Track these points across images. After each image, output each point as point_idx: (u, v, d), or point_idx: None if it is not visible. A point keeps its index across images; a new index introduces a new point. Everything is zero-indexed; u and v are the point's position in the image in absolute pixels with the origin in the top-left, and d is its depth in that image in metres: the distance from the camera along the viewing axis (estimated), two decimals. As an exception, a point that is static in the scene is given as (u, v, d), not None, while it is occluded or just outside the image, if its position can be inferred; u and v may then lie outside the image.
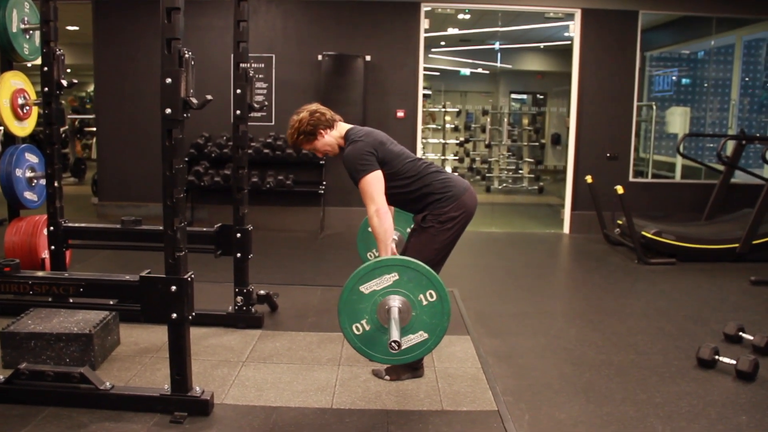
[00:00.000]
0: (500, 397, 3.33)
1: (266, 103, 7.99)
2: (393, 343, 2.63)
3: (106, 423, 2.97)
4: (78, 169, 12.28)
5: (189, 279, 2.97)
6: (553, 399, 3.37)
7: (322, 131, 3.44)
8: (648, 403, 3.33)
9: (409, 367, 3.53)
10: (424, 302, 2.85)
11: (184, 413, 3.02)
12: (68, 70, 4.22)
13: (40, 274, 3.19)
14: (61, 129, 12.50)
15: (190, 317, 3.01)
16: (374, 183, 3.25)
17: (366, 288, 2.84)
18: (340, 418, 3.09)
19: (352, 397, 3.31)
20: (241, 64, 4.12)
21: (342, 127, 3.50)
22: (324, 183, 7.93)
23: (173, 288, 2.93)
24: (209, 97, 2.88)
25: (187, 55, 2.80)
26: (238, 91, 4.14)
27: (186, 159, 7.64)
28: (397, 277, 2.83)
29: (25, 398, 3.13)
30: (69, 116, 12.73)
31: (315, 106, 3.50)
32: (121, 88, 7.98)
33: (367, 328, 2.87)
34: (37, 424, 2.94)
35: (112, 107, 8.12)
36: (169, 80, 2.78)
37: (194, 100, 2.84)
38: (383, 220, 3.21)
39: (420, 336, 2.89)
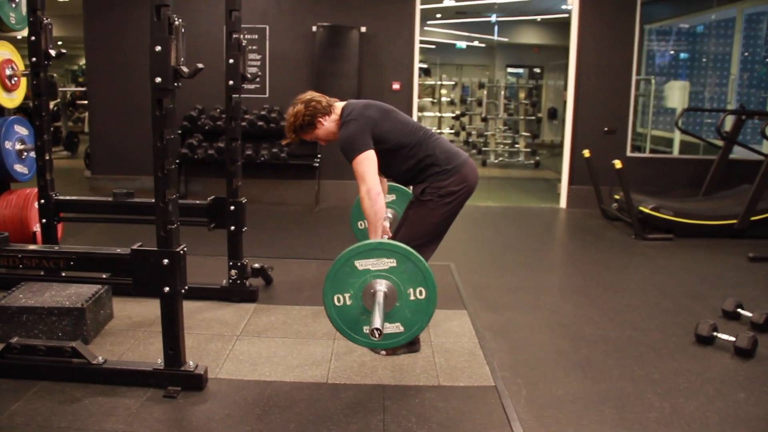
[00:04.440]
0: (497, 373, 3.30)
1: (259, 74, 7.87)
2: (375, 331, 2.59)
3: (99, 398, 2.93)
4: (71, 143, 12.17)
5: (181, 252, 2.91)
6: (550, 375, 3.35)
7: (320, 119, 3.37)
8: (645, 379, 3.30)
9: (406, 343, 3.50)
10: (412, 297, 2.81)
11: (178, 388, 2.99)
12: (59, 42, 4.13)
13: (29, 247, 3.13)
14: (53, 102, 12.31)
15: (183, 291, 2.95)
16: (366, 163, 3.19)
17: (361, 264, 2.79)
18: (336, 392, 3.05)
19: (347, 371, 3.27)
20: (233, 34, 4.03)
21: (338, 109, 3.42)
22: (319, 156, 7.84)
23: (165, 261, 2.87)
24: (200, 65, 2.80)
25: (177, 22, 2.72)
26: (231, 60, 4.05)
27: (179, 131, 7.60)
28: (394, 264, 2.79)
29: (18, 372, 3.09)
30: (61, 89, 12.57)
31: (309, 95, 3.42)
32: (112, 60, 7.85)
33: (348, 302, 2.83)
34: (29, 399, 2.90)
35: (104, 79, 8.00)
36: (158, 48, 2.70)
37: (185, 69, 2.76)
38: (374, 201, 3.16)
39: (396, 327, 2.86)
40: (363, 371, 3.28)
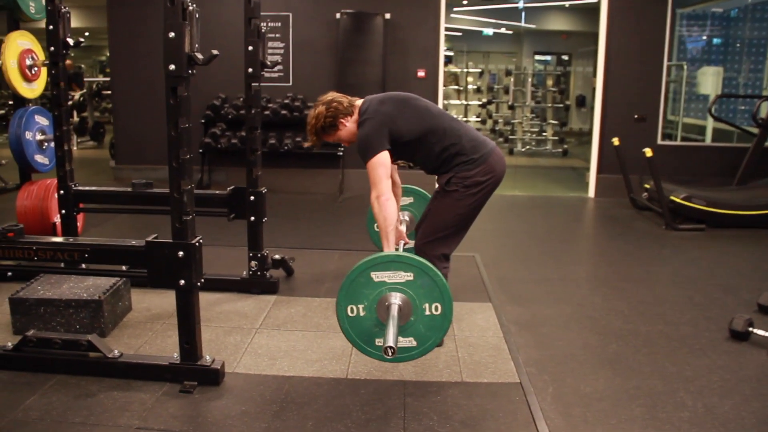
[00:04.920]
0: (522, 369, 3.19)
1: (280, 61, 7.79)
2: (388, 349, 2.50)
3: (114, 392, 2.88)
4: (97, 133, 12.22)
5: (197, 244, 2.84)
6: (577, 371, 3.23)
7: (342, 120, 3.27)
8: (677, 376, 3.17)
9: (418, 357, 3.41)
10: (427, 312, 2.72)
11: (194, 382, 2.93)
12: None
13: (44, 239, 3.08)
14: (79, 92, 12.37)
15: (199, 283, 2.89)
16: (377, 168, 3.09)
17: (377, 276, 2.70)
18: (355, 388, 2.97)
19: (368, 366, 3.19)
20: (252, 20, 3.94)
21: (357, 105, 3.32)
22: (343, 145, 7.74)
23: (180, 253, 2.80)
24: (215, 52, 2.71)
25: (191, 8, 2.63)
26: (250, 48, 3.97)
27: (202, 120, 7.56)
28: (411, 278, 2.69)
29: (33, 366, 3.06)
30: (87, 79, 12.62)
31: (330, 95, 3.32)
32: (135, 50, 7.83)
33: (362, 314, 2.75)
34: (44, 393, 2.87)
35: (127, 69, 7.98)
36: (172, 34, 2.61)
37: (199, 56, 2.67)
38: (383, 207, 3.06)
39: (409, 342, 2.77)
40: (384, 366, 3.19)
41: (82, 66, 15.76)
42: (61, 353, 3.03)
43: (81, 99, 12.39)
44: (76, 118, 12.46)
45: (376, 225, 4.10)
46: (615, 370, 3.23)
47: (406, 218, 4.13)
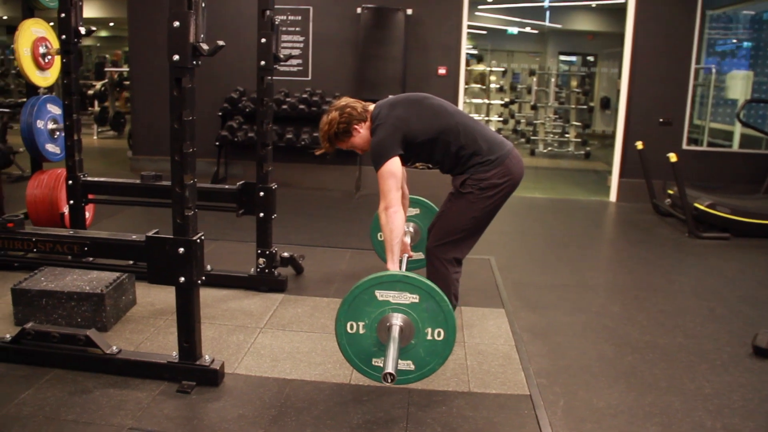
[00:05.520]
0: (533, 380, 3.06)
1: (295, 55, 7.70)
2: (387, 376, 2.40)
3: (110, 389, 2.80)
4: (117, 123, 12.23)
5: (198, 241, 2.75)
6: (591, 383, 3.09)
7: (356, 127, 3.18)
8: (696, 394, 3.02)
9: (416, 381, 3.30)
10: (429, 337, 2.63)
11: (192, 383, 2.84)
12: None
13: (44, 231, 3.01)
14: (100, 83, 12.44)
15: (200, 281, 2.80)
16: (388, 179, 3.01)
17: (381, 295, 2.62)
18: (358, 396, 2.86)
19: (372, 372, 3.08)
20: (265, 11, 3.84)
21: (370, 110, 3.23)
22: (357, 153, 7.64)
23: (181, 250, 2.71)
24: (221, 42, 2.62)
25: (197, -4, 2.54)
26: (263, 40, 3.87)
27: (219, 113, 7.49)
28: (416, 300, 2.60)
29: (31, 359, 3.00)
30: (107, 69, 12.64)
31: (344, 101, 3.24)
32: (154, 41, 7.77)
33: (362, 331, 2.66)
34: (39, 387, 2.80)
35: (146, 60, 7.94)
36: (176, 24, 2.52)
37: (204, 46, 2.58)
38: (391, 218, 2.98)
39: (407, 365, 2.68)
40: (389, 372, 3.08)
41: (107, 56, 15.85)
42: (59, 347, 2.96)
43: (102, 89, 12.42)
44: (97, 108, 12.50)
45: (380, 235, 4.03)
46: (630, 384, 3.10)
47: (411, 229, 4.12)
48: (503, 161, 3.10)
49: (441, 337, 2.62)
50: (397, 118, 3.06)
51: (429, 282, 2.63)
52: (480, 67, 13.60)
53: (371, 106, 3.23)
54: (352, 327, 2.67)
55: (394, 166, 3.01)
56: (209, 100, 7.65)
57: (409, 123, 3.06)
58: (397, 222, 2.98)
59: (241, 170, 7.88)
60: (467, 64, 8.44)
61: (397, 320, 2.61)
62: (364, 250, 5.06)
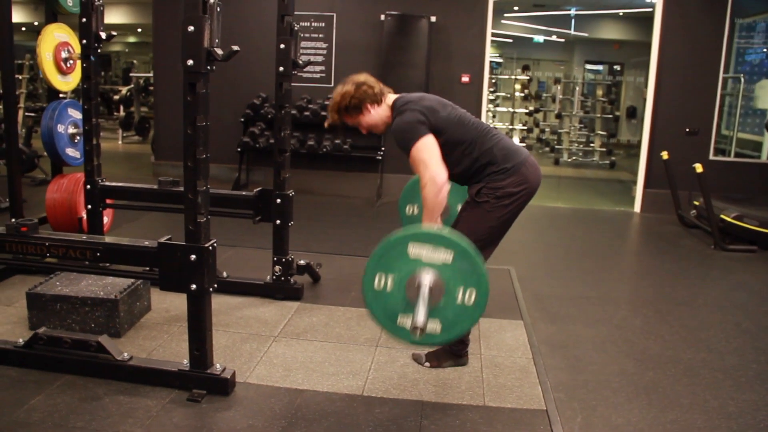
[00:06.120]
0: (550, 394, 2.98)
1: (314, 61, 7.69)
2: (416, 329, 2.33)
3: (120, 396, 2.78)
4: (142, 128, 12.33)
5: (210, 248, 2.72)
6: (610, 399, 3.01)
7: (369, 105, 3.10)
8: (720, 412, 2.93)
9: (453, 354, 3.23)
10: (459, 299, 2.50)
11: (203, 391, 2.81)
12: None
13: (57, 236, 3.01)
14: (126, 88, 12.56)
15: (212, 289, 2.77)
16: (427, 148, 2.89)
17: (414, 248, 2.49)
18: (370, 407, 2.81)
19: (386, 384, 3.02)
20: (285, 17, 3.82)
21: (389, 100, 3.15)
22: (383, 149, 7.62)
23: (193, 257, 2.69)
24: (236, 47, 2.59)
25: (212, 1, 2.51)
26: (282, 46, 3.85)
27: (242, 119, 7.51)
28: (450, 258, 2.47)
29: (43, 364, 2.99)
30: (133, 74, 12.76)
31: (363, 77, 3.15)
32: (177, 46, 7.78)
33: (389, 287, 2.53)
34: (50, 393, 2.78)
35: (170, 65, 7.98)
36: (191, 28, 2.50)
37: (219, 51, 2.56)
38: (440, 188, 2.85)
39: (433, 328, 2.55)
40: (403, 384, 3.03)
41: (135, 62, 16.02)
42: (70, 353, 2.95)
43: (128, 94, 12.54)
44: (122, 113, 12.63)
45: (409, 207, 3.89)
46: (651, 401, 3.01)
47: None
48: (519, 169, 3.03)
49: (472, 300, 2.49)
50: (426, 107, 2.99)
51: (465, 241, 2.52)
52: (505, 75, 13.53)
53: (390, 94, 3.17)
54: (380, 282, 2.54)
55: (428, 140, 2.91)
56: (232, 106, 7.68)
57: (437, 114, 2.99)
58: (445, 193, 2.87)
59: (262, 176, 7.88)
60: (492, 72, 8.38)
61: (427, 278, 2.49)
62: (382, 259, 5.01)
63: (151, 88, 12.20)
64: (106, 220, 4.58)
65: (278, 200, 4.01)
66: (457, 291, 2.48)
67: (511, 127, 12.98)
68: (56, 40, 4.57)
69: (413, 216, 3.77)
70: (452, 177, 3.16)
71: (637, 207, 7.73)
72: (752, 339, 3.84)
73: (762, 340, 3.81)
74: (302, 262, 4.25)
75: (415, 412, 2.78)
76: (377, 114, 3.11)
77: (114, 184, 4.11)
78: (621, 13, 13.40)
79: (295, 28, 3.88)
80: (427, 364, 3.22)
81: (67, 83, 4.73)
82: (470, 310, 2.50)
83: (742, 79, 8.38)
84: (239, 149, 7.62)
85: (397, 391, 2.96)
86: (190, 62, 2.54)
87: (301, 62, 3.98)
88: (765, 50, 8.69)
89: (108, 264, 3.25)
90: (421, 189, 2.92)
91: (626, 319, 4.13)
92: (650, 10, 7.68)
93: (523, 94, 13.55)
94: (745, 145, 8.68)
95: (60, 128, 4.57)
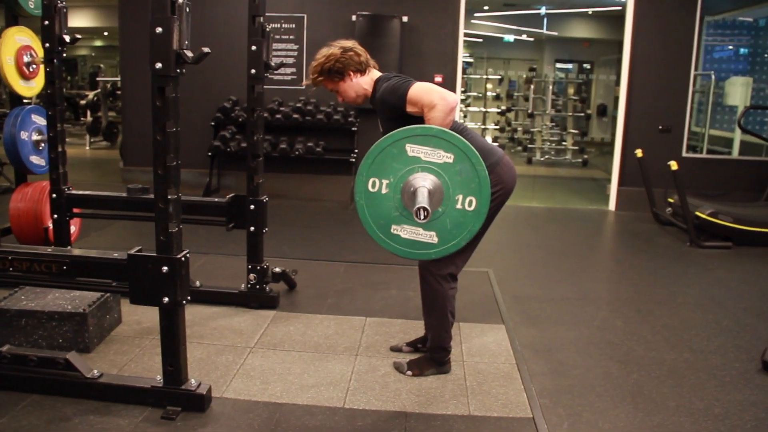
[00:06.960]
0: (536, 401, 2.92)
1: (286, 63, 7.57)
2: (421, 210, 2.22)
3: (91, 416, 2.65)
4: (110, 133, 12.08)
5: (183, 259, 2.61)
6: (595, 404, 2.96)
7: (351, 73, 2.99)
8: (706, 413, 2.89)
9: (435, 362, 3.15)
10: (458, 205, 2.37)
11: (177, 408, 2.70)
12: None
13: (20, 248, 2.87)
14: (93, 92, 12.32)
15: (185, 301, 2.66)
16: (426, 84, 2.74)
17: (412, 149, 2.37)
18: (352, 420, 2.72)
19: (367, 395, 2.94)
20: (256, 18, 3.72)
21: (374, 74, 3.06)
22: (356, 151, 7.52)
23: (165, 268, 2.58)
24: (206, 49, 2.49)
25: (180, 1, 2.41)
26: (253, 47, 3.75)
27: (212, 123, 7.37)
28: (450, 160, 2.36)
29: (8, 384, 2.84)
30: (100, 78, 12.51)
31: (351, 43, 3.05)
32: (145, 50, 7.60)
33: (384, 191, 2.41)
34: (15, 415, 2.65)
35: (137, 69, 7.79)
36: (159, 30, 2.39)
37: (189, 54, 2.45)
38: (452, 109, 2.63)
39: (429, 237, 2.44)
40: (385, 395, 2.94)
41: (101, 66, 15.74)
42: (37, 371, 2.81)
43: (95, 99, 12.29)
44: (89, 118, 12.36)
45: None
46: (637, 404, 2.96)
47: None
48: (494, 169, 2.94)
49: (472, 207, 2.39)
50: (410, 79, 2.88)
51: (467, 141, 2.41)
52: (476, 75, 13.51)
53: (375, 71, 3.08)
54: (374, 184, 2.42)
55: (424, 82, 2.77)
56: (202, 109, 7.53)
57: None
58: (453, 117, 2.68)
59: (234, 181, 7.74)
60: (464, 72, 8.33)
61: (425, 181, 2.37)
62: (359, 263, 4.93)
63: (119, 92, 12.00)
64: (73, 229, 4.43)
65: (252, 206, 3.90)
66: (456, 197, 2.38)
67: (483, 126, 12.95)
68: (18, 44, 4.41)
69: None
70: None
71: (612, 205, 7.74)
72: (733, 337, 3.82)
73: (742, 339, 3.79)
74: (278, 269, 4.15)
75: (398, 424, 2.69)
76: (358, 84, 3.01)
77: (81, 192, 3.97)
78: (590, 12, 13.48)
79: (267, 30, 3.77)
80: (409, 372, 3.14)
81: (30, 88, 4.57)
82: (470, 218, 2.41)
83: (713, 77, 8.45)
84: (210, 153, 7.47)
85: (380, 402, 2.88)
86: (159, 65, 2.43)
87: (273, 64, 3.88)
88: (733, 47, 8.78)
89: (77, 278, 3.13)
90: (425, 114, 2.68)
91: (607, 320, 4.09)
92: (619, 8, 7.70)
93: (494, 94, 13.55)
94: (716, 141, 8.75)
95: (23, 135, 4.42)
